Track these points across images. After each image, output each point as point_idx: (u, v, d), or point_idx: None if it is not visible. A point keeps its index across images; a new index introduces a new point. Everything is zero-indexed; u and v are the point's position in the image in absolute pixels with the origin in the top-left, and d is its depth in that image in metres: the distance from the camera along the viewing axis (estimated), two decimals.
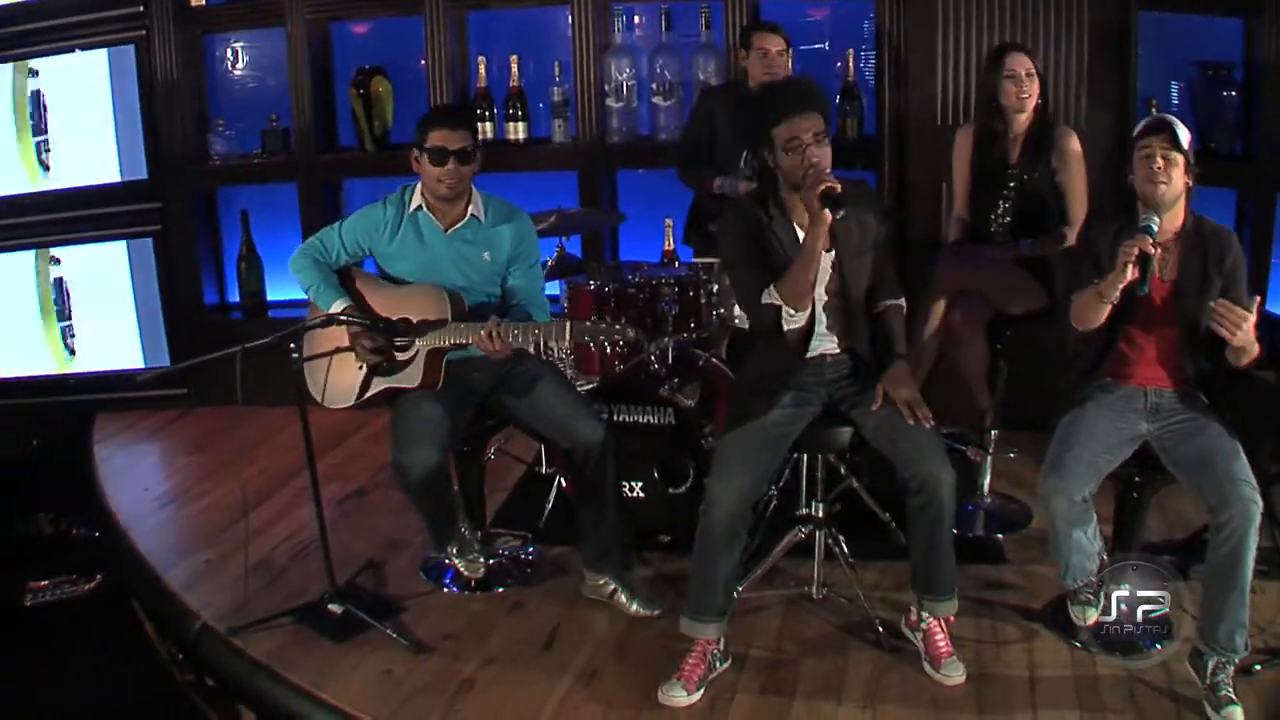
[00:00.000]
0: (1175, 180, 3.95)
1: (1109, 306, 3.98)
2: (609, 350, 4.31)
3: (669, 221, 5.85)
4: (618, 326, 4.20)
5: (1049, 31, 5.78)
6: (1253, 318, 3.77)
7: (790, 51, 5.63)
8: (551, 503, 5.29)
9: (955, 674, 4.07)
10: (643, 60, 6.56)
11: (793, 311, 4.14)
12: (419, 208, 4.49)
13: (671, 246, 5.82)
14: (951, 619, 4.22)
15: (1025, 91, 4.94)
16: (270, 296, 7.06)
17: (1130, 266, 3.86)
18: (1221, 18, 5.98)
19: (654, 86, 6.53)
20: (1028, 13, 5.82)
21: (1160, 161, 3.94)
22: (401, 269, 4.53)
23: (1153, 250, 3.86)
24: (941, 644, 4.15)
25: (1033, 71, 4.95)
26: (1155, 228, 3.90)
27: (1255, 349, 3.85)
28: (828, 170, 4.03)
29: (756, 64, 5.58)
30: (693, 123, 5.93)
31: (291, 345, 4.41)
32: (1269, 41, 5.69)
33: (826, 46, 6.47)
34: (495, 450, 5.43)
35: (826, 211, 3.95)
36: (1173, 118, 4.00)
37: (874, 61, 6.41)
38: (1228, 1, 5.92)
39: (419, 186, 4.50)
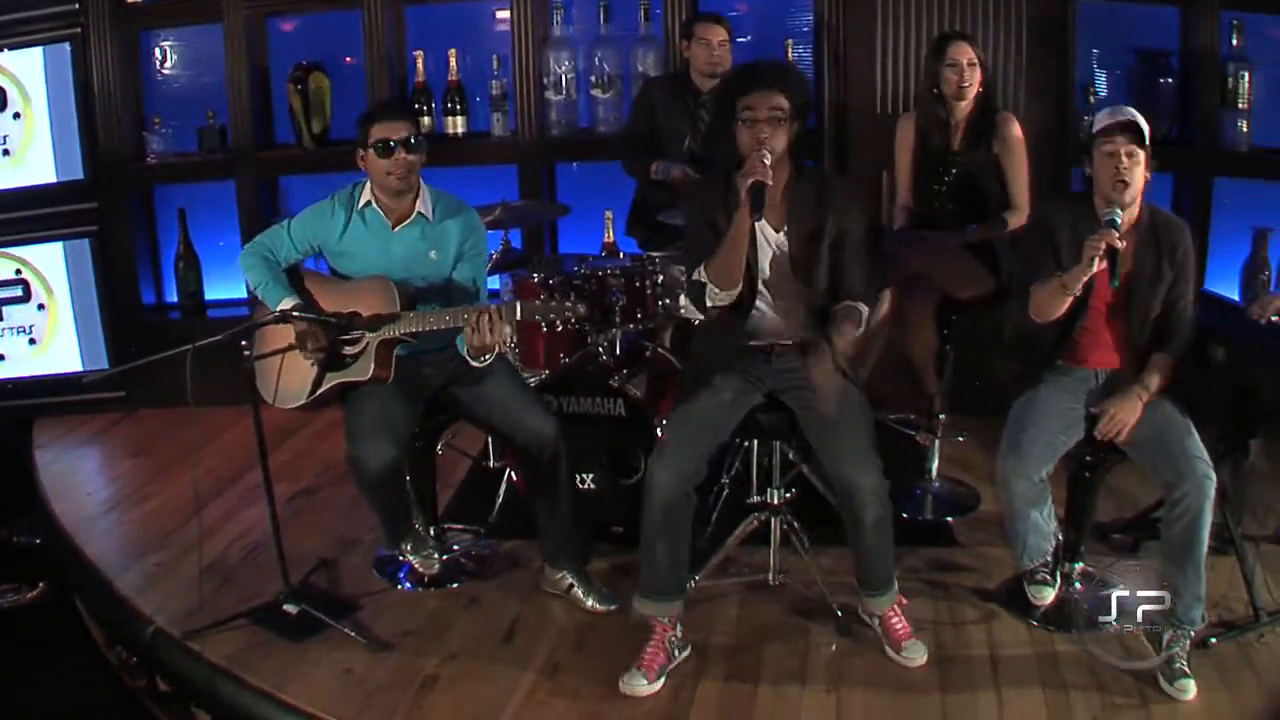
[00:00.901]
0: (1138, 178, 4.00)
1: (1070, 298, 4.02)
2: (560, 328, 4.29)
3: (609, 214, 5.82)
4: (568, 304, 4.17)
5: (988, 20, 5.85)
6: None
7: (731, 43, 5.66)
8: (502, 496, 5.28)
9: (917, 656, 4.12)
10: (581, 53, 6.54)
11: (717, 290, 4.14)
12: (368, 204, 4.47)
13: (612, 239, 5.79)
14: (903, 601, 4.26)
15: (967, 80, 4.99)
16: (209, 296, 6.96)
17: (1097, 260, 3.91)
18: (1158, 6, 6.10)
19: (593, 79, 6.52)
20: (966, 1, 5.89)
21: (1125, 161, 3.97)
22: (350, 266, 4.50)
23: (1120, 244, 3.91)
24: (899, 627, 4.19)
25: (975, 60, 4.99)
26: (1120, 220, 3.95)
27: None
28: (774, 151, 4.04)
29: (700, 54, 5.62)
30: (634, 115, 5.95)
31: (243, 343, 4.35)
32: (1205, 28, 5.81)
33: (750, 39, 6.42)
34: (442, 445, 5.40)
35: (748, 208, 4.00)
36: (1134, 112, 4.02)
37: (813, 52, 6.41)
38: None
39: (368, 184, 4.48)
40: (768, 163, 3.99)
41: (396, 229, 4.46)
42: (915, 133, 5.19)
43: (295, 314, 4.36)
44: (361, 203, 4.47)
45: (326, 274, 4.60)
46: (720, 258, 4.09)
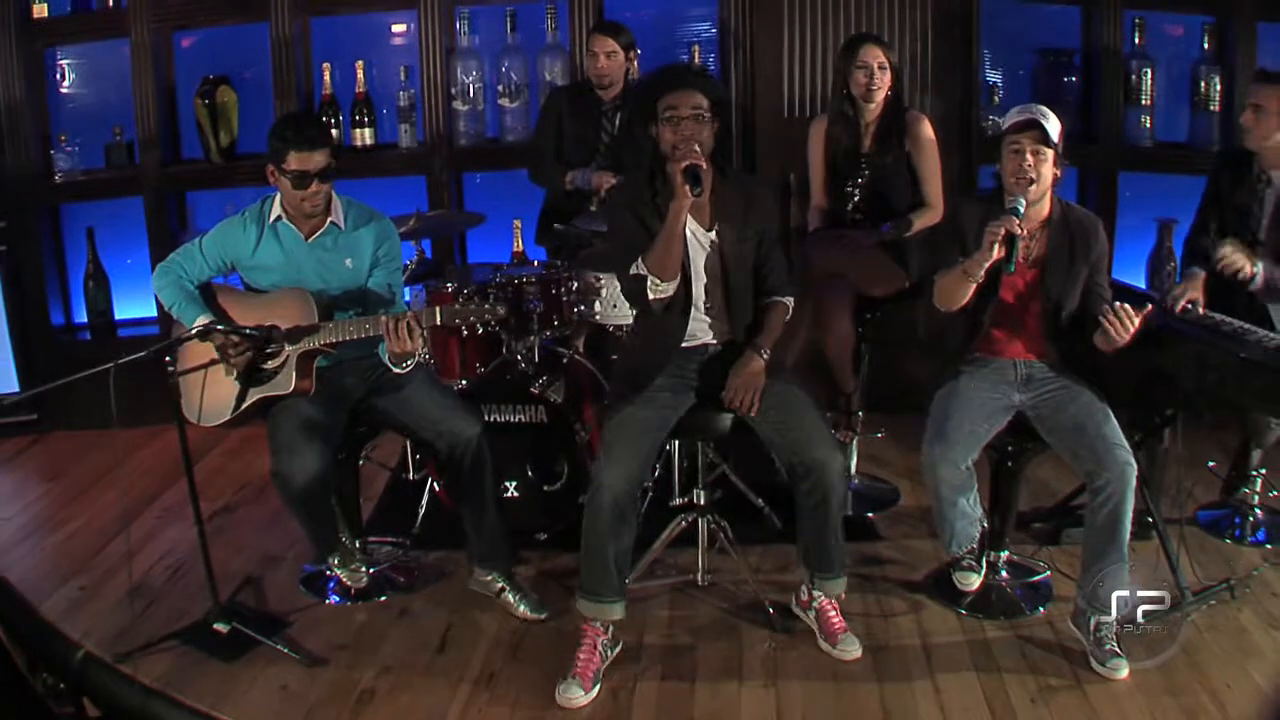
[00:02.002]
0: (1044, 176, 4.11)
1: (974, 286, 4.11)
2: (480, 332, 4.31)
3: (518, 223, 5.81)
4: (487, 305, 4.19)
5: (894, 22, 5.96)
6: (1138, 323, 3.93)
7: (634, 52, 5.69)
8: (424, 508, 5.27)
9: (853, 649, 4.18)
10: (488, 63, 6.53)
11: (658, 282, 4.17)
12: (279, 218, 4.45)
13: (521, 248, 5.79)
14: (841, 596, 4.31)
15: (876, 83, 5.06)
16: (119, 315, 6.84)
17: (996, 246, 3.99)
18: (1061, 5, 6.27)
19: (500, 89, 6.51)
20: (873, 6, 6.00)
21: (1030, 159, 4.08)
22: (265, 280, 4.49)
23: (1019, 231, 4.00)
24: (835, 620, 4.25)
25: (885, 63, 5.07)
26: (1022, 209, 4.04)
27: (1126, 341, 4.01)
28: (703, 148, 4.10)
29: (589, 65, 5.69)
30: (541, 124, 5.96)
31: (167, 359, 4.30)
32: (1107, 27, 5.97)
33: (642, 51, 6.22)
34: (361, 458, 5.37)
35: (686, 186, 4.02)
36: (1043, 112, 4.13)
37: (718, 58, 6.46)
38: None
39: (278, 197, 4.46)
40: (699, 151, 4.06)
41: (310, 239, 4.45)
42: (826, 134, 5.25)
43: (217, 329, 4.32)
44: (273, 217, 4.46)
45: (240, 289, 4.57)
46: (659, 247, 4.12)
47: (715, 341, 4.37)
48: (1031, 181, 4.09)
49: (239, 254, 4.47)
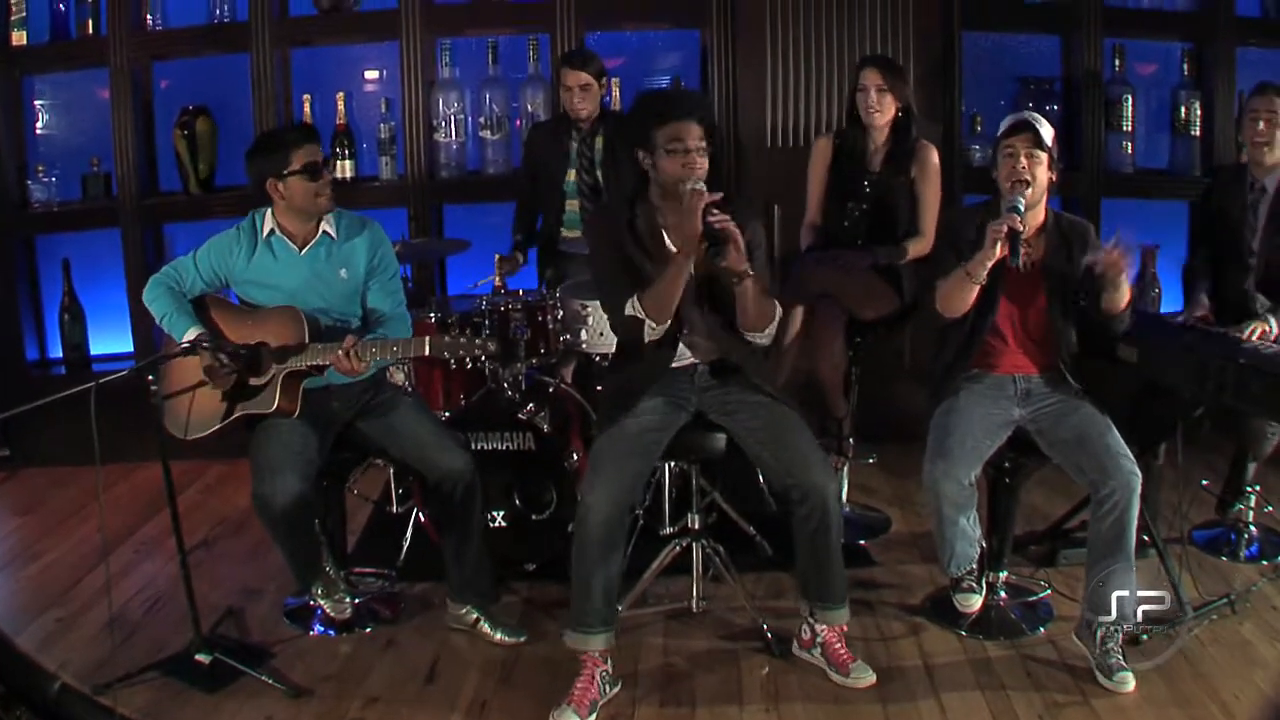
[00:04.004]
0: (1039, 178, 4.13)
1: (976, 288, 4.10)
2: (470, 366, 4.26)
3: (499, 257, 5.77)
4: (478, 340, 4.13)
5: (875, 51, 5.92)
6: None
7: (604, 82, 5.64)
8: (409, 540, 5.18)
9: (866, 677, 4.10)
10: (470, 94, 6.50)
11: (655, 325, 4.09)
12: (272, 231, 4.42)
13: (501, 281, 5.74)
14: (844, 626, 4.23)
15: (874, 106, 5.06)
16: (94, 350, 6.73)
17: (1000, 244, 3.98)
18: (1040, 35, 6.35)
19: (481, 121, 6.48)
20: (855, 36, 6.01)
21: (1024, 162, 4.10)
22: (258, 295, 4.43)
23: (1021, 227, 4.01)
24: (843, 651, 4.17)
25: (884, 87, 5.05)
26: (1022, 206, 4.05)
27: (1128, 291, 4.05)
28: (701, 178, 4.02)
29: (564, 98, 5.62)
30: (524, 161, 5.96)
31: (150, 378, 4.24)
32: (1087, 55, 6.02)
33: (616, 92, 6.31)
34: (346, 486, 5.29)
35: (704, 246, 3.92)
36: (1036, 117, 4.16)
37: (699, 87, 6.44)
38: (1045, 20, 6.28)
39: (269, 211, 4.43)
40: (702, 189, 3.96)
41: (303, 251, 4.41)
42: (831, 153, 5.24)
43: (204, 346, 4.26)
44: (265, 231, 4.42)
45: (235, 303, 4.52)
46: (655, 292, 4.03)
47: (702, 362, 4.30)
48: (1027, 184, 4.10)
49: (231, 268, 4.43)
